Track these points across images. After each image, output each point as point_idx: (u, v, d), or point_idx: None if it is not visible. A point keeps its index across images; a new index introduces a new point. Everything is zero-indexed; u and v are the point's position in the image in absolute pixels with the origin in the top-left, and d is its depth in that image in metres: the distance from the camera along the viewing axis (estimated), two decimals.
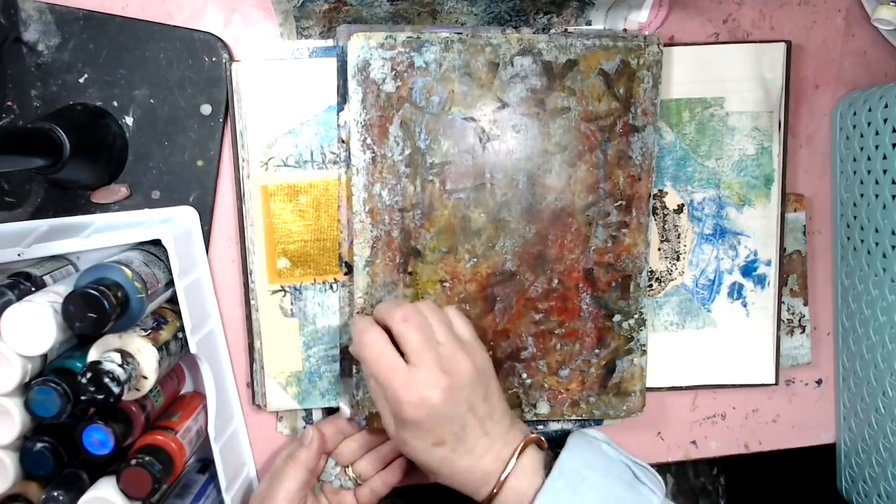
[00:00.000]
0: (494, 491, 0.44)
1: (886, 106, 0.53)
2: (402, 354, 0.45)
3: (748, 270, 0.59)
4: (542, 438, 0.47)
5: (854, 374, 0.60)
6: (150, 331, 0.48)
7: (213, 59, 0.53)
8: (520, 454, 0.45)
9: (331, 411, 0.57)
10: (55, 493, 0.46)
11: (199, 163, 0.54)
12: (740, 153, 0.57)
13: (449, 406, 0.44)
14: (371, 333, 0.46)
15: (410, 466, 0.56)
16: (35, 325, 0.43)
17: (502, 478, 0.44)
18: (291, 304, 0.54)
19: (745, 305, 0.59)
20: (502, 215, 0.52)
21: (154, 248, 0.52)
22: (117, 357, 0.45)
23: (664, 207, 0.57)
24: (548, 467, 0.45)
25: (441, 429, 0.44)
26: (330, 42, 0.54)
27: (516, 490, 0.44)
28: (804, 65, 0.59)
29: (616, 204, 0.53)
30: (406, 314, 0.46)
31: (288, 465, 0.51)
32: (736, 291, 0.59)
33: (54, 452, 0.46)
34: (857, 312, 0.59)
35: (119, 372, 0.44)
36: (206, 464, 0.57)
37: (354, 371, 0.53)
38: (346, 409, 0.54)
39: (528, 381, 0.54)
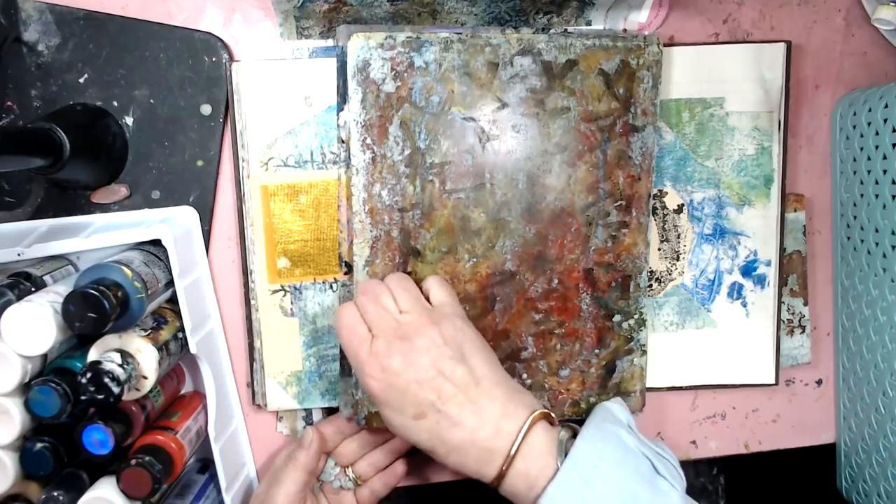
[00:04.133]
0: (504, 468, 0.41)
1: (886, 106, 0.53)
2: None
3: (748, 270, 0.59)
4: (552, 414, 0.44)
5: (854, 374, 0.60)
6: (150, 331, 0.48)
7: (213, 59, 0.53)
8: (527, 431, 0.41)
9: (331, 411, 0.57)
10: (55, 493, 0.46)
11: (199, 163, 0.54)
12: (740, 153, 0.57)
13: (412, 372, 0.42)
14: (342, 310, 0.46)
15: (411, 467, 0.56)
16: (35, 325, 0.43)
17: (512, 451, 0.41)
18: (291, 303, 0.54)
19: (744, 305, 0.59)
20: (502, 215, 0.52)
21: (154, 248, 0.52)
22: (117, 357, 0.45)
23: (664, 207, 0.57)
24: (562, 451, 0.41)
25: (413, 398, 0.42)
26: (330, 42, 0.54)
27: (525, 474, 0.41)
28: (804, 65, 0.59)
29: (616, 204, 0.53)
30: (364, 288, 0.46)
31: (287, 466, 0.51)
32: (736, 291, 0.59)
33: (54, 452, 0.46)
34: (857, 312, 0.59)
35: (119, 372, 0.44)
36: (206, 464, 0.57)
37: (354, 371, 0.53)
38: (345, 409, 0.54)
39: (529, 381, 0.54)
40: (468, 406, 0.42)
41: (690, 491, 0.63)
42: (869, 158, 0.55)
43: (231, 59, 0.53)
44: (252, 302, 0.54)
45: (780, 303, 0.59)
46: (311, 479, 0.51)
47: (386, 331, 0.44)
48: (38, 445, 0.46)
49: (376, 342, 0.44)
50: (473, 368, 0.44)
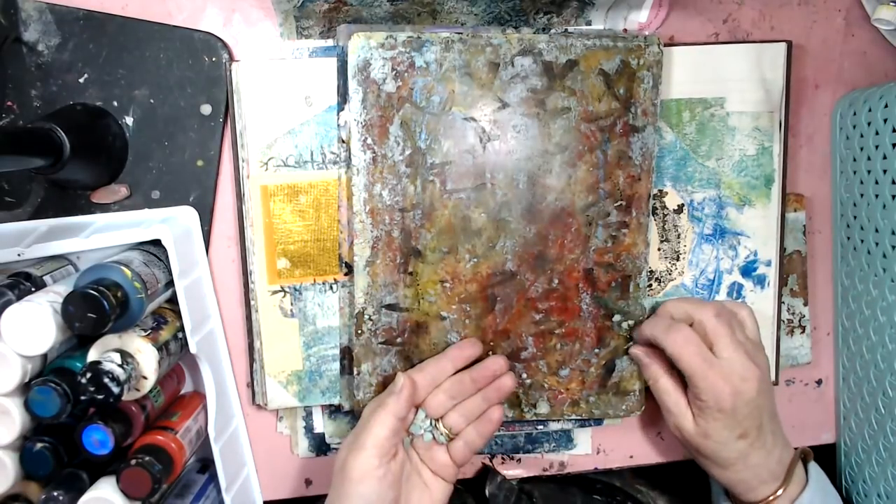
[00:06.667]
0: (779, 492, 0.50)
1: (886, 106, 0.53)
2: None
3: (748, 270, 0.59)
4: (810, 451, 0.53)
5: (854, 374, 0.60)
6: (150, 331, 0.48)
7: (213, 59, 0.53)
8: (792, 464, 0.51)
9: (333, 409, 0.57)
10: (55, 493, 0.46)
11: (199, 163, 0.54)
12: (740, 153, 0.57)
13: (759, 397, 0.49)
14: (683, 329, 0.50)
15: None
16: (35, 325, 0.43)
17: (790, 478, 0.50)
18: (291, 304, 0.54)
19: None
20: (502, 215, 0.52)
21: (154, 248, 0.52)
22: (117, 357, 0.45)
23: (664, 207, 0.57)
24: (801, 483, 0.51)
25: (748, 420, 0.49)
26: (330, 42, 0.54)
27: (789, 496, 0.50)
28: (804, 65, 0.59)
29: (616, 204, 0.53)
30: (718, 310, 0.51)
31: (376, 412, 0.47)
32: (735, 291, 0.59)
33: (54, 452, 0.46)
34: (857, 312, 0.59)
35: (119, 372, 0.44)
36: (206, 464, 0.57)
37: (356, 372, 0.53)
38: (346, 405, 0.54)
39: (529, 381, 0.54)
40: (770, 435, 0.50)
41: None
42: (869, 158, 0.55)
43: (231, 59, 0.53)
44: (252, 302, 0.54)
45: (780, 303, 0.59)
46: (401, 426, 0.47)
47: (742, 355, 0.49)
48: (38, 445, 0.46)
49: (733, 363, 0.49)
50: (773, 401, 0.52)
